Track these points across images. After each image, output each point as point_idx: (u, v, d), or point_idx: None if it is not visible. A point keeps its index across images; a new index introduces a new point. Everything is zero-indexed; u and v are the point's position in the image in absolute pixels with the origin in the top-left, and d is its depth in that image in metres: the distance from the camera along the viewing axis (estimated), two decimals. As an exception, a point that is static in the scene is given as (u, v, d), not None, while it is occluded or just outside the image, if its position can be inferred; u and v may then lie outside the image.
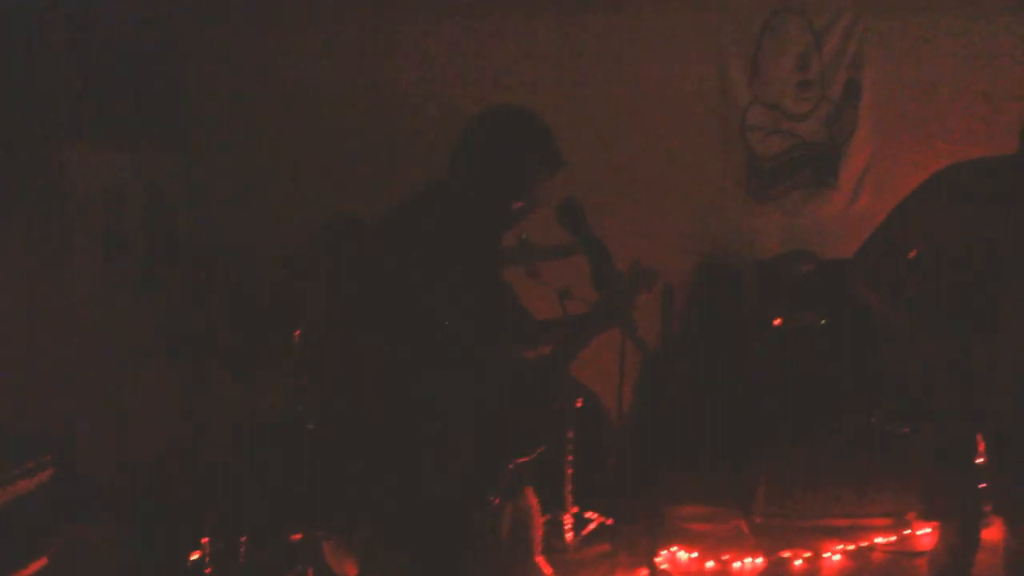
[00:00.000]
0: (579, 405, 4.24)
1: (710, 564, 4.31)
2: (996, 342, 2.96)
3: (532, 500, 3.74)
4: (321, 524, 3.36)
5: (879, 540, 4.53)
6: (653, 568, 3.03)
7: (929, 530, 4.56)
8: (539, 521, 3.78)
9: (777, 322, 4.68)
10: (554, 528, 4.32)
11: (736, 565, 4.29)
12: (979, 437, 3.14)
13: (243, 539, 3.80)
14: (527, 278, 3.93)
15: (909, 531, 4.58)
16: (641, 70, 5.23)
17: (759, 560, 4.33)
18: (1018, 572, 3.19)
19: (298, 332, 3.76)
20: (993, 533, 3.38)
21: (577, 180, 4.89)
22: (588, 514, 4.42)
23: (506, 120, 2.56)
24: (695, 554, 4.36)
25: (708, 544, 4.41)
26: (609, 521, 4.43)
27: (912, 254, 3.13)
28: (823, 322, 4.68)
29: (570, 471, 4.32)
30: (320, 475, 3.56)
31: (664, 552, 4.37)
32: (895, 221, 3.11)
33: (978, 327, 2.97)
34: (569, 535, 4.33)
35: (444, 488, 2.43)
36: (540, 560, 3.93)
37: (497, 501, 2.56)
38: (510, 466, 2.55)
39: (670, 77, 5.26)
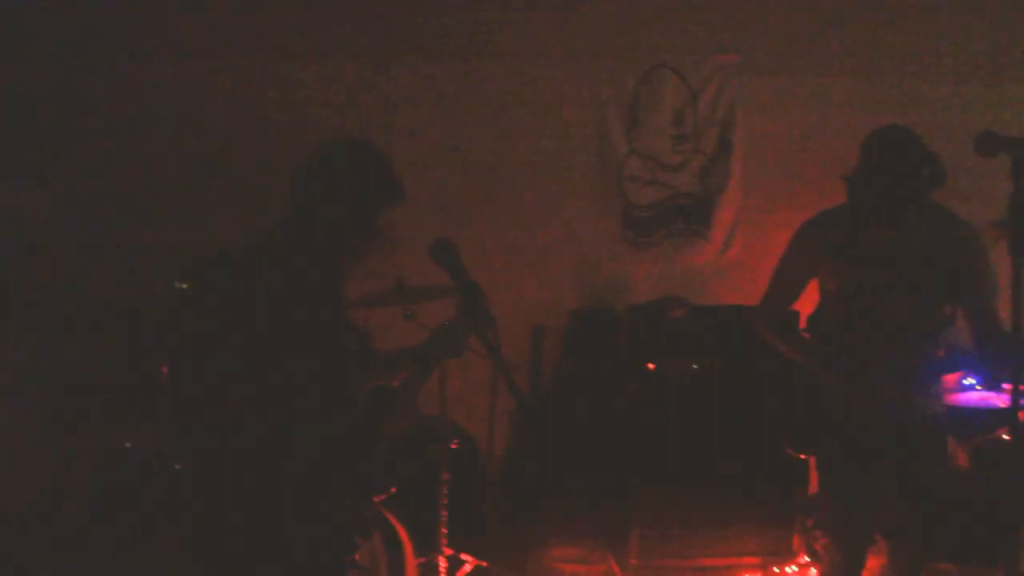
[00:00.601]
0: (454, 447, 4.25)
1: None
2: (874, 367, 3.16)
3: (403, 540, 3.75)
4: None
5: (750, 579, 4.66)
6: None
7: (794, 568, 4.71)
8: (411, 560, 3.79)
9: (651, 367, 4.78)
10: (429, 570, 4.28)
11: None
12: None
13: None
14: (403, 321, 3.97)
15: (778, 570, 4.70)
16: (519, 117, 5.32)
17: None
18: None
19: (164, 367, 3.69)
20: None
21: (455, 224, 5.02)
22: (463, 556, 4.40)
23: (342, 149, 2.58)
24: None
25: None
26: (484, 563, 4.41)
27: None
28: (695, 367, 4.80)
29: (445, 513, 4.31)
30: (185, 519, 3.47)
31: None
32: (780, 272, 3.37)
33: (860, 354, 3.17)
34: (443, 578, 4.31)
35: (307, 529, 2.38)
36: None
37: (362, 541, 2.52)
38: (371, 503, 2.52)
39: (548, 125, 5.36)
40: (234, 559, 2.36)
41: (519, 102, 5.31)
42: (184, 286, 3.63)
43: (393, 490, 2.65)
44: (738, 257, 5.57)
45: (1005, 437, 4.70)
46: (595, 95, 5.45)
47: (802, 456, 3.38)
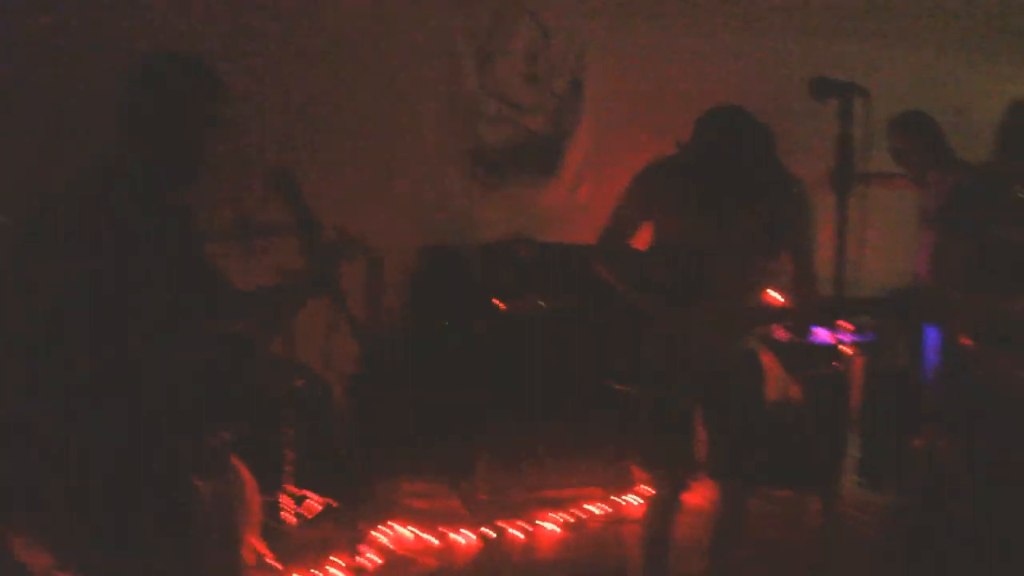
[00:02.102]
0: (298, 384, 4.21)
1: (430, 539, 4.40)
2: (696, 312, 3.26)
3: (245, 479, 3.70)
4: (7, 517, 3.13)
5: (593, 510, 4.79)
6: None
7: (638, 501, 4.88)
8: (254, 501, 3.75)
9: (501, 306, 4.83)
10: (273, 509, 4.26)
11: (460, 540, 4.40)
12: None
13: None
14: (245, 255, 3.88)
15: (621, 500, 4.87)
16: (369, 49, 5.19)
17: (478, 533, 4.47)
18: (723, 531, 3.52)
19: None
20: (695, 499, 3.68)
21: (303, 161, 4.92)
22: (310, 494, 4.39)
23: (163, 61, 2.46)
24: (417, 530, 4.44)
25: (428, 520, 4.49)
26: (333, 502, 4.42)
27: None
28: (542, 305, 4.87)
29: (290, 453, 4.29)
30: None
31: (388, 530, 4.43)
32: (613, 217, 3.41)
33: (684, 299, 3.26)
34: (289, 516, 4.29)
35: (141, 465, 2.32)
36: (256, 541, 3.90)
37: (198, 481, 2.46)
38: (211, 442, 2.47)
39: (399, 60, 5.25)
40: (70, 500, 2.30)
41: (369, 33, 5.18)
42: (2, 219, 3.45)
43: (232, 433, 2.59)
44: (587, 198, 5.65)
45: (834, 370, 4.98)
46: (447, 31, 5.38)
47: (621, 388, 3.49)
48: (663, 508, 3.44)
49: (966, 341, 3.42)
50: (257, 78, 4.98)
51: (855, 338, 4.90)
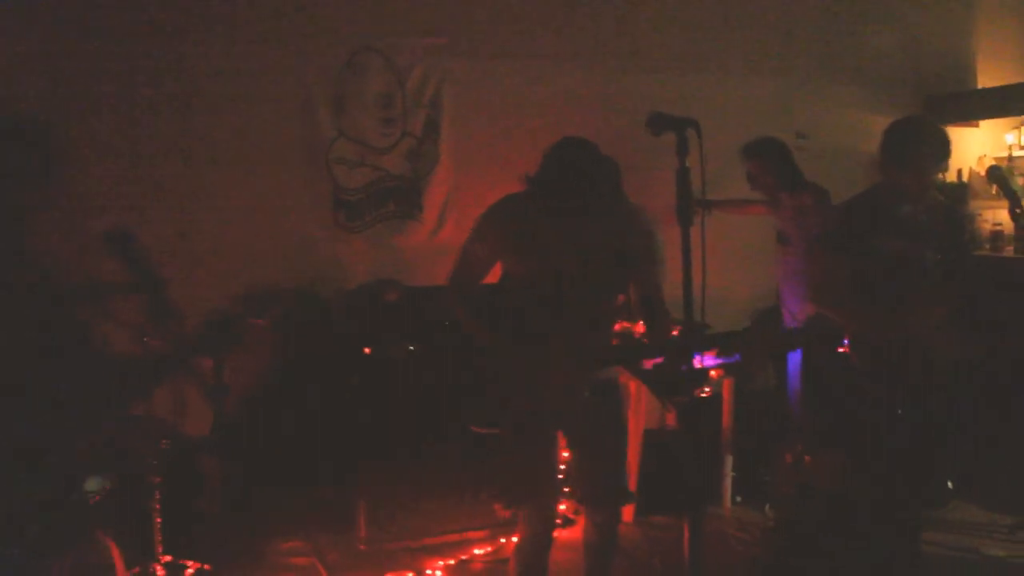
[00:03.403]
0: (164, 447, 4.04)
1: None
2: (550, 349, 3.26)
3: (112, 551, 3.50)
4: None
5: (477, 552, 4.74)
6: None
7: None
8: (123, 572, 3.55)
9: (367, 351, 4.76)
10: (144, 580, 4.08)
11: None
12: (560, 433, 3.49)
13: None
14: (101, 317, 3.72)
15: (504, 540, 4.83)
16: (222, 97, 5.09)
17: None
18: (595, 551, 3.56)
19: None
20: (575, 533, 3.68)
21: (161, 208, 4.76)
22: (183, 561, 4.21)
23: None
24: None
25: (310, 576, 4.37)
26: (207, 567, 4.24)
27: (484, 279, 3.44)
28: (411, 349, 4.82)
29: (159, 518, 4.10)
30: None
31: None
32: (463, 253, 3.40)
33: (537, 336, 3.27)
34: (162, 586, 4.10)
35: None
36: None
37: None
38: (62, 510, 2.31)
39: (254, 107, 5.17)
40: None
41: (222, 82, 5.09)
42: None
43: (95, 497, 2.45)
44: (450, 238, 5.62)
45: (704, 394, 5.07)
46: (300, 78, 5.32)
47: (482, 431, 3.48)
48: (533, 547, 3.43)
49: (853, 359, 3.54)
50: (106, 129, 4.82)
51: (721, 360, 5.01)
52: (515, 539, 4.68)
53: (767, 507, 5.11)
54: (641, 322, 3.56)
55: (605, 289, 3.36)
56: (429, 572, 4.52)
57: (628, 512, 4.87)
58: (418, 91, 5.63)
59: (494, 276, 3.47)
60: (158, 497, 4.08)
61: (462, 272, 3.40)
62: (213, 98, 5.08)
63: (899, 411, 3.58)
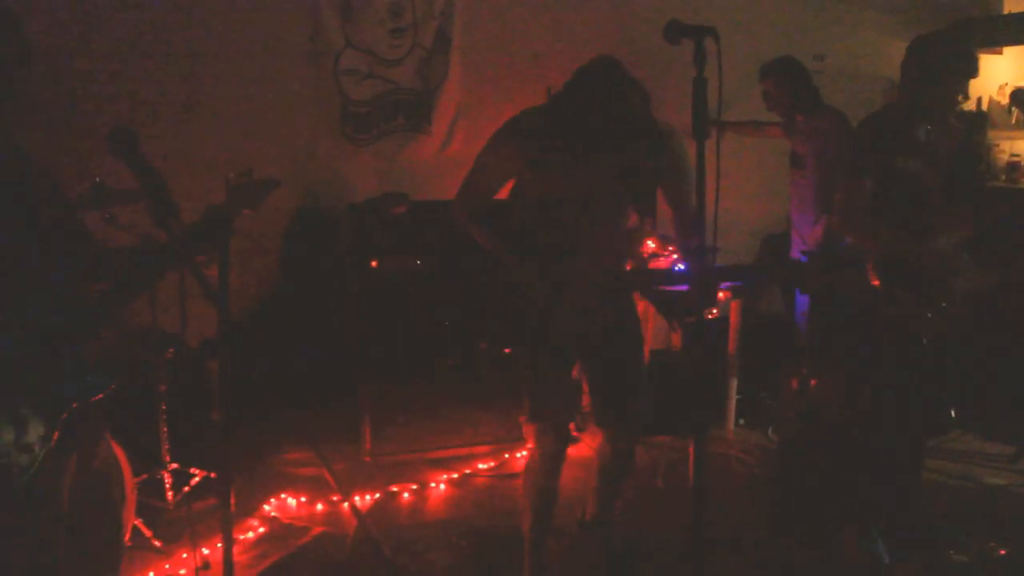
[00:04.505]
0: (169, 356, 4.04)
1: (319, 507, 4.32)
2: (567, 269, 3.24)
3: (119, 457, 3.52)
4: None
5: (481, 466, 4.79)
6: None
7: (523, 453, 4.89)
8: (129, 480, 3.58)
9: (374, 264, 4.73)
10: (153, 487, 4.11)
11: (346, 505, 4.32)
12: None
13: None
14: (105, 225, 3.69)
15: (507, 456, 4.87)
16: (233, 13, 4.99)
17: (368, 497, 4.41)
18: (609, 473, 3.59)
19: None
20: (581, 450, 3.69)
21: (163, 122, 4.70)
22: (190, 469, 4.24)
23: None
24: (303, 498, 4.36)
25: (317, 487, 4.40)
26: (212, 475, 4.28)
27: (498, 194, 3.34)
28: (418, 263, 4.79)
29: (165, 427, 4.13)
30: None
31: (272, 500, 4.33)
32: (478, 166, 3.29)
33: (554, 257, 3.22)
34: (169, 493, 4.14)
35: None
36: (137, 522, 3.74)
37: (53, 444, 2.27)
38: (68, 410, 2.29)
39: (262, 20, 5.06)
40: None
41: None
42: None
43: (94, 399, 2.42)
44: (459, 152, 5.57)
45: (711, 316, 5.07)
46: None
47: (500, 351, 3.48)
48: (547, 462, 3.44)
49: (875, 282, 3.50)
50: (114, 38, 4.74)
51: (728, 283, 4.99)
52: (520, 455, 4.79)
53: (770, 431, 5.14)
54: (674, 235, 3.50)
55: (623, 211, 3.32)
56: (433, 485, 4.56)
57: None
58: (429, 1, 5.51)
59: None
60: (164, 407, 4.10)
61: (474, 186, 3.30)
62: (221, 7, 4.97)
63: (923, 339, 3.55)
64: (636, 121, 3.12)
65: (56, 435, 2.21)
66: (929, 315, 3.48)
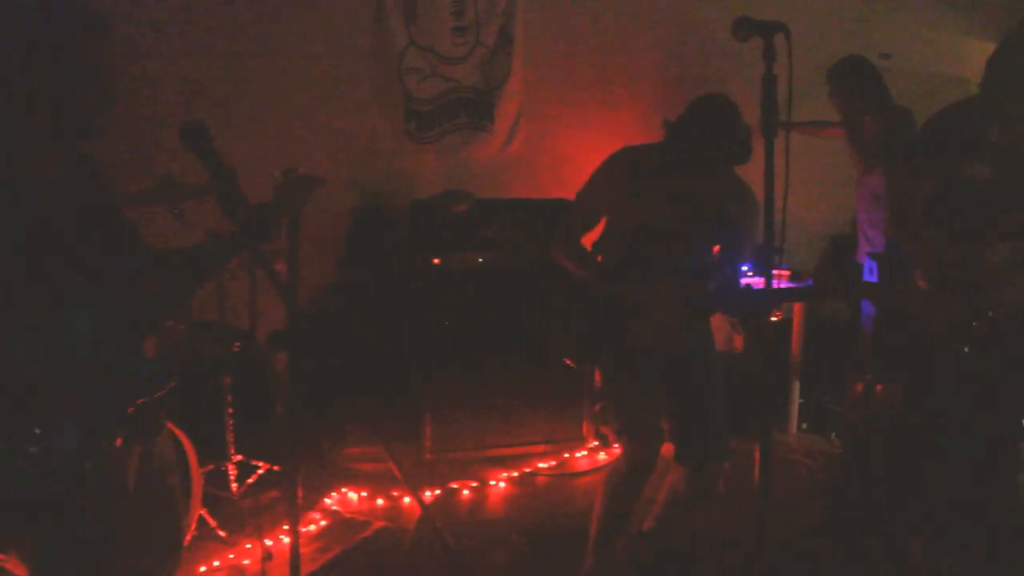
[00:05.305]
0: (236, 350, 4.10)
1: (380, 502, 4.35)
2: (651, 293, 3.29)
3: (186, 448, 3.59)
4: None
5: (541, 465, 4.79)
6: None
7: (584, 453, 4.89)
8: (196, 470, 3.65)
9: (436, 261, 4.75)
10: (218, 478, 4.17)
11: (406, 501, 4.35)
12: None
13: None
14: (173, 219, 3.74)
15: (567, 456, 4.87)
16: (296, 10, 5.02)
17: (429, 494, 4.43)
18: (681, 499, 3.58)
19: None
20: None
21: (232, 122, 4.76)
22: (254, 461, 4.30)
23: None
24: (365, 493, 4.39)
25: (378, 482, 4.43)
26: (276, 467, 4.33)
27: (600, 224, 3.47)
28: (480, 260, 4.81)
29: (231, 420, 4.19)
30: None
31: (334, 494, 4.37)
32: (584, 199, 3.43)
33: (639, 279, 3.29)
34: (234, 484, 4.20)
35: (51, 443, 2.12)
36: (203, 511, 3.81)
37: (120, 442, 2.31)
38: (134, 405, 2.32)
39: (324, 16, 5.09)
40: None
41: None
42: None
43: (159, 394, 2.45)
44: (520, 151, 5.59)
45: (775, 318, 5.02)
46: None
47: (584, 368, 3.51)
48: (633, 475, 3.43)
49: (922, 283, 3.43)
50: (181, 37, 4.80)
51: (793, 285, 4.94)
52: (580, 455, 4.79)
53: (832, 435, 5.07)
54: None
55: (702, 248, 3.35)
56: (493, 483, 4.58)
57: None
58: (491, 1, 5.52)
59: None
60: (230, 399, 4.16)
61: (579, 223, 3.45)
62: (285, 4, 5.01)
63: (965, 348, 3.47)
64: (738, 158, 3.23)
65: (123, 431, 2.26)
66: (974, 324, 3.40)
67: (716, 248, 3.38)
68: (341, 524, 4.14)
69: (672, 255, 3.28)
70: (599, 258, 3.46)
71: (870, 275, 4.56)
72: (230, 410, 4.17)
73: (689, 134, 3.21)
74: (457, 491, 4.50)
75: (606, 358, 3.42)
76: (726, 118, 3.19)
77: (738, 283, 3.61)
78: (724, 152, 3.21)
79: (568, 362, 3.46)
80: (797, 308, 5.05)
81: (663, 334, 3.34)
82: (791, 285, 4.89)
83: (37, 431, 2.09)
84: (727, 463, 3.48)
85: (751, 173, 3.11)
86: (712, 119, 3.19)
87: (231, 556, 3.79)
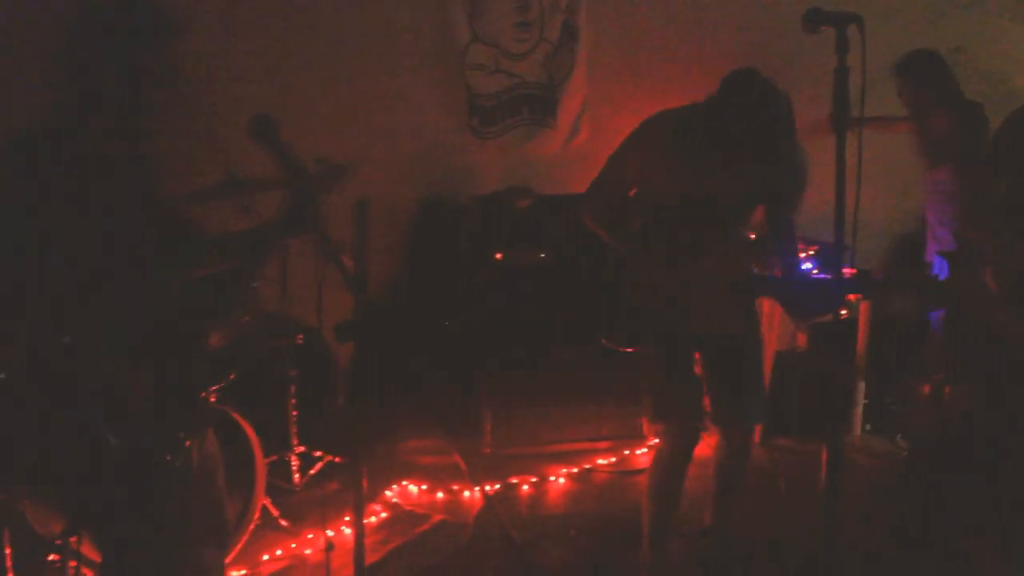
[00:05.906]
0: (299, 342, 4.14)
1: (440, 495, 4.38)
2: (697, 270, 3.23)
3: (251, 439, 3.64)
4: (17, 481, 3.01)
5: (600, 462, 4.78)
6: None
7: (644, 450, 4.86)
8: (260, 461, 3.70)
9: (498, 256, 4.76)
10: (280, 468, 4.23)
11: (466, 494, 4.38)
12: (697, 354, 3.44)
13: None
14: (240, 215, 3.78)
15: (627, 452, 4.85)
16: (360, 7, 5.06)
17: (488, 488, 4.44)
18: (726, 472, 3.56)
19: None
20: (702, 450, 3.65)
21: (299, 117, 4.79)
22: (316, 453, 4.35)
23: None
24: (424, 486, 4.42)
25: (438, 476, 4.46)
26: (337, 459, 4.38)
27: (631, 193, 3.35)
28: (542, 256, 4.81)
29: (294, 411, 4.24)
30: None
31: (394, 486, 4.40)
32: (615, 163, 3.31)
33: (684, 256, 3.20)
34: (296, 475, 4.25)
35: (126, 436, 2.18)
36: (266, 501, 3.86)
37: (188, 443, 2.33)
38: (199, 398, 2.37)
39: (389, 15, 5.12)
40: (42, 462, 2.21)
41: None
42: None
43: (223, 384, 2.49)
44: (584, 146, 5.57)
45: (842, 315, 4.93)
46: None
47: (623, 349, 3.47)
48: (674, 460, 3.42)
49: (992, 284, 3.36)
50: (245, 31, 4.85)
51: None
52: (641, 452, 4.77)
53: (898, 437, 4.98)
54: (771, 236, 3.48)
55: (751, 214, 3.32)
56: (552, 478, 4.57)
57: (755, 433, 4.82)
58: (555, -4, 5.52)
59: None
60: (293, 391, 4.21)
61: (606, 185, 3.33)
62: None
63: None
64: (781, 131, 3.10)
65: (194, 424, 2.31)
66: None
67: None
68: (402, 516, 4.17)
69: (710, 226, 3.21)
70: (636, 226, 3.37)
71: (940, 273, 4.47)
72: (293, 401, 4.22)
73: (722, 115, 3.06)
74: (516, 486, 4.50)
75: (642, 336, 3.38)
76: (767, 89, 3.06)
77: (799, 272, 3.56)
78: (771, 121, 3.06)
79: (606, 343, 3.43)
80: (864, 306, 4.97)
81: (699, 308, 3.27)
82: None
83: (116, 424, 2.14)
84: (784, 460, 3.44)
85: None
86: (745, 101, 3.04)
87: (293, 546, 3.84)
